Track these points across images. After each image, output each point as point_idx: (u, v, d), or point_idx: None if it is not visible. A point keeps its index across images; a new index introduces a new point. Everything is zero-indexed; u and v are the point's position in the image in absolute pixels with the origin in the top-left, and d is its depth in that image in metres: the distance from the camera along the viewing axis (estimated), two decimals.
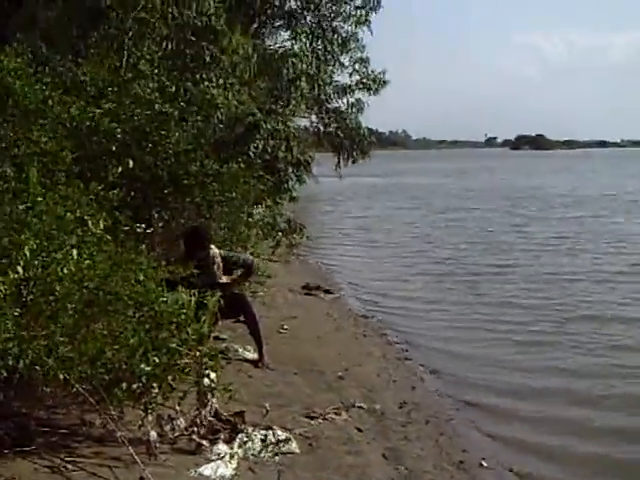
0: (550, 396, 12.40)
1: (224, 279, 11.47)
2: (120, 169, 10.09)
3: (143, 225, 9.97)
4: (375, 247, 31.63)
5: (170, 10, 14.57)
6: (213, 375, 8.04)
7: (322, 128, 27.93)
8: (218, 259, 11.41)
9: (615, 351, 14.61)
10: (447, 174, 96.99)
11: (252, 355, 11.99)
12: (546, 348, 15.17)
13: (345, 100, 27.62)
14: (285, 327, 14.63)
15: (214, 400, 8.17)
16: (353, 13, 26.22)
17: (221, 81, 16.26)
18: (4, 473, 6.72)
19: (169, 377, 7.55)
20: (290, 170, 20.05)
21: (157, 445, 7.47)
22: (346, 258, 28.40)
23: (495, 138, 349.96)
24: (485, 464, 9.39)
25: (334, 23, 25.86)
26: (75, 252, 7.45)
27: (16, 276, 6.86)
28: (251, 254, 13.82)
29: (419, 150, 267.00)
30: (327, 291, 20.07)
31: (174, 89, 12.71)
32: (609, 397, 12.34)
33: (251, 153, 15.36)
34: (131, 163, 10.51)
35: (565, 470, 9.75)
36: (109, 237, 8.38)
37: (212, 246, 11.42)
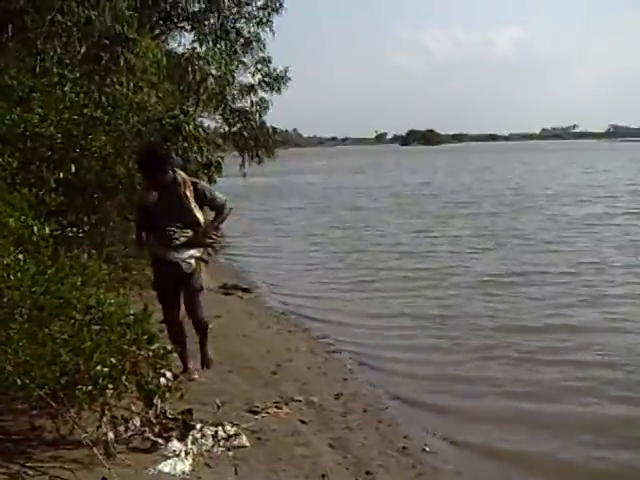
0: (480, 382, 12.76)
1: (199, 216, 10.08)
2: (61, 175, 10.17)
3: (74, 229, 10.02)
4: (279, 245, 31.75)
5: (85, 14, 14.53)
6: (169, 374, 8.16)
7: (227, 128, 27.99)
8: (189, 186, 9.89)
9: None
10: (335, 172, 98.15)
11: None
12: (471, 334, 15.61)
13: (249, 100, 27.73)
14: (211, 326, 14.64)
15: (166, 399, 8.28)
16: (255, 14, 26.39)
17: (131, 84, 16.24)
18: None
19: (123, 378, 7.62)
20: (202, 171, 20.03)
21: (114, 445, 7.54)
22: (254, 257, 28.44)
23: (385, 134, 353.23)
24: (427, 449, 9.64)
25: (237, 24, 26.00)
26: (21, 257, 7.48)
27: None
28: None
29: (310, 148, 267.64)
30: (245, 290, 20.20)
31: (98, 93, 12.71)
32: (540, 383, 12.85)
33: (174, 155, 15.37)
34: (73, 168, 10.54)
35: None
36: (50, 242, 8.42)
37: (179, 172, 9.94)
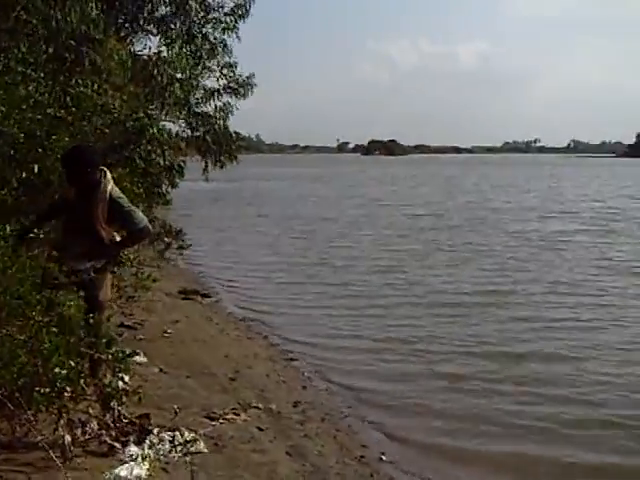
0: (436, 385, 12.99)
1: (103, 233, 8.86)
2: (24, 174, 10.09)
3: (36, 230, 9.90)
4: (240, 251, 31.77)
5: (52, 13, 14.40)
6: (127, 378, 8.13)
7: (190, 132, 27.87)
8: (104, 200, 8.77)
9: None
10: (286, 179, 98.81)
11: (141, 358, 11.99)
12: (432, 334, 15.89)
13: (213, 104, 27.64)
14: (169, 331, 14.65)
15: (123, 403, 8.25)
16: (222, 20, 26.30)
17: (96, 86, 16.12)
18: None
19: (81, 381, 7.57)
20: (164, 174, 19.95)
21: (71, 449, 7.48)
22: (214, 262, 28.42)
23: (347, 143, 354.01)
24: (385, 458, 9.72)
25: (204, 29, 25.89)
26: None
27: None
28: (135, 259, 13.87)
29: (271, 154, 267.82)
30: (204, 295, 20.17)
31: (62, 93, 12.62)
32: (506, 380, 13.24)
33: (136, 157, 15.30)
34: (36, 168, 10.44)
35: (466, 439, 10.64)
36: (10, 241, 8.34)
37: (108, 179, 8.88)
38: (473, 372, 13.61)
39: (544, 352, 15.04)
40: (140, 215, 9.13)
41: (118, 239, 9.05)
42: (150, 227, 9.48)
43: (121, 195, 9.06)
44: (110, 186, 8.83)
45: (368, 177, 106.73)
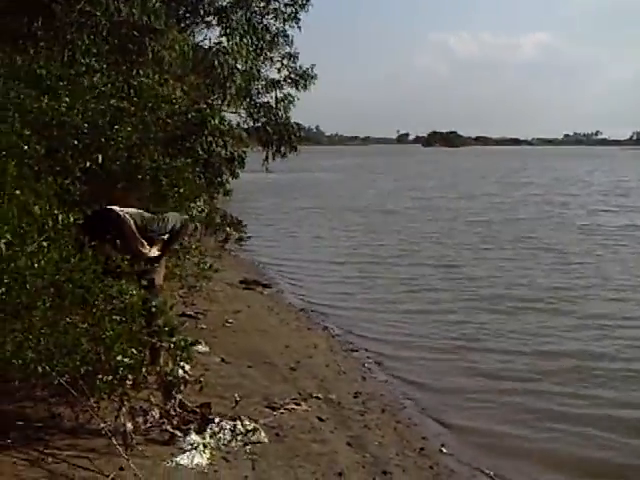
0: (498, 380, 12.83)
1: (147, 250, 9.50)
2: (87, 163, 10.19)
3: None
4: (302, 242, 31.80)
5: (115, 5, 14.52)
6: (187, 367, 8.16)
7: (251, 123, 27.92)
8: (134, 231, 9.35)
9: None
10: (345, 171, 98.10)
11: (203, 348, 12.06)
12: (491, 331, 15.71)
13: (274, 95, 27.66)
14: (230, 321, 14.74)
15: (182, 392, 8.30)
16: (282, 10, 26.30)
17: (157, 77, 16.20)
18: None
19: (143, 369, 7.62)
20: (225, 165, 20.03)
21: (132, 436, 7.53)
22: (275, 252, 28.45)
23: (407, 134, 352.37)
24: (445, 450, 9.65)
25: (264, 20, 25.91)
26: (45, 245, 7.47)
27: None
28: (197, 248, 13.94)
29: (331, 146, 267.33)
30: (265, 285, 20.21)
31: (125, 84, 12.72)
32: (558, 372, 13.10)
33: (198, 148, 15.36)
34: (100, 158, 10.54)
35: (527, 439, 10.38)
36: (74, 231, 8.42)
37: (126, 218, 9.33)
38: (537, 369, 13.37)
39: (616, 353, 14.48)
40: (170, 219, 9.89)
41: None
42: (182, 222, 10.24)
43: (143, 215, 9.61)
44: (131, 221, 9.34)
45: (428, 168, 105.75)
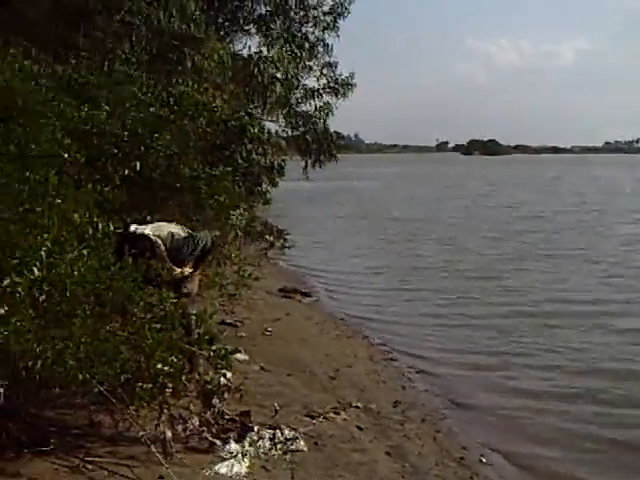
0: (535, 397, 12.64)
1: (178, 271, 9.65)
2: (126, 171, 10.23)
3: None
4: (341, 251, 31.77)
5: (154, 14, 14.62)
6: (229, 375, 8.15)
7: (290, 132, 27.93)
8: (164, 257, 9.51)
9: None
10: (386, 178, 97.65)
11: (242, 356, 12.05)
12: (529, 344, 15.48)
13: (313, 103, 27.65)
14: (269, 329, 14.74)
15: (224, 400, 8.28)
16: (321, 18, 26.32)
17: (196, 85, 16.27)
18: (26, 473, 6.79)
19: (182, 377, 7.62)
20: (264, 174, 20.07)
21: (172, 444, 7.53)
22: (313, 260, 28.41)
23: (446, 143, 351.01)
24: (484, 460, 9.58)
25: (303, 28, 25.96)
26: (86, 252, 7.49)
27: (32, 277, 6.87)
28: (237, 257, 13.96)
29: (370, 154, 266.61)
30: (304, 294, 20.18)
31: (165, 92, 12.78)
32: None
33: (238, 157, 15.39)
34: (138, 165, 10.58)
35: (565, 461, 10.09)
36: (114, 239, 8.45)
37: (158, 243, 9.53)
38: (575, 387, 13.03)
39: None
40: (200, 238, 10.00)
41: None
42: (213, 240, 10.50)
43: (175, 236, 9.69)
44: (162, 247, 9.50)
45: (466, 177, 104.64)
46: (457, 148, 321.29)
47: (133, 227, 9.37)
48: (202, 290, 12.79)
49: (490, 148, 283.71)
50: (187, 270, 9.74)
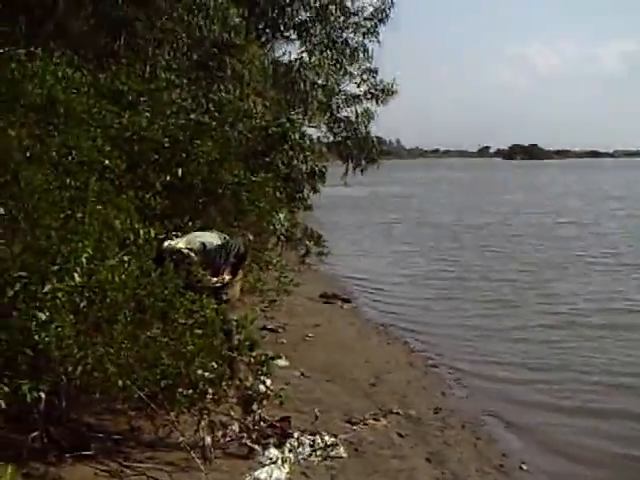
0: (581, 394, 12.68)
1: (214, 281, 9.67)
2: (167, 177, 10.29)
3: (179, 233, 10.09)
4: (380, 254, 31.73)
5: (195, 21, 14.69)
6: (268, 381, 8.16)
7: (331, 137, 27.92)
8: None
9: None
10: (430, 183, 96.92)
11: (283, 362, 12.06)
12: (573, 356, 15.21)
13: (354, 109, 27.61)
14: (310, 335, 14.75)
15: (264, 406, 8.30)
16: (362, 24, 26.29)
17: (237, 92, 16.34)
18: (66, 477, 6.86)
19: (223, 383, 7.64)
20: (305, 179, 20.06)
21: (211, 450, 7.55)
22: (353, 266, 28.32)
23: (488, 148, 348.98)
24: (525, 467, 9.47)
25: (344, 34, 25.94)
26: (126, 259, 7.54)
27: (72, 283, 6.92)
28: (277, 263, 13.99)
29: (411, 159, 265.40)
30: (345, 299, 20.13)
31: (205, 99, 12.85)
32: None
33: (279, 163, 15.42)
34: (180, 172, 10.64)
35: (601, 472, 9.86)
36: (155, 245, 8.51)
37: (191, 255, 9.49)
38: (614, 404, 12.46)
39: None
40: (233, 245, 10.02)
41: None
42: (246, 246, 10.56)
43: (207, 247, 9.66)
44: (195, 259, 9.47)
45: (508, 182, 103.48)
46: (499, 153, 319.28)
47: (166, 243, 9.38)
48: (244, 296, 12.87)
49: (532, 153, 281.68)
50: (225, 278, 9.77)
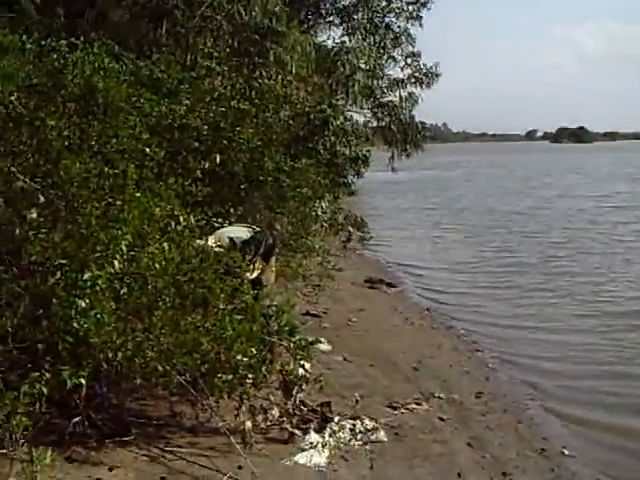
0: (630, 380, 12.52)
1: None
2: (207, 165, 10.34)
3: (220, 220, 10.14)
4: (425, 239, 31.57)
5: (236, 9, 14.73)
6: (308, 365, 8.19)
7: (375, 122, 27.95)
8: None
9: None
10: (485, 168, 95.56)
11: (325, 347, 12.10)
12: (620, 335, 15.15)
13: (398, 94, 27.62)
14: (353, 319, 14.78)
15: (303, 390, 8.34)
16: (405, 9, 26.26)
17: (279, 78, 16.36)
18: (107, 462, 6.93)
19: (263, 368, 7.68)
20: (349, 165, 20.05)
21: (252, 435, 7.60)
22: (398, 252, 28.22)
23: (535, 131, 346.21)
24: (567, 452, 9.41)
25: (386, 19, 25.94)
26: (167, 246, 7.59)
27: (112, 270, 6.99)
28: (319, 248, 14.01)
29: (458, 143, 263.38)
30: (390, 284, 20.10)
31: (246, 86, 12.88)
32: None
33: (320, 149, 15.43)
34: (218, 159, 10.68)
35: None
36: (197, 232, 8.56)
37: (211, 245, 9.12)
38: None
39: None
40: (261, 237, 10.03)
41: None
42: (274, 237, 10.76)
43: (236, 240, 9.58)
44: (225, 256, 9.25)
45: (555, 166, 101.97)
46: (546, 136, 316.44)
47: (197, 242, 9.41)
48: (286, 281, 12.92)
49: (579, 136, 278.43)
50: (256, 268, 9.73)
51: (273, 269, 10.29)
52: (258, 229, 10.20)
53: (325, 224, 15.96)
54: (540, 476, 8.56)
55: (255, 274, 9.59)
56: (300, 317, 12.48)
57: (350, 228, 19.99)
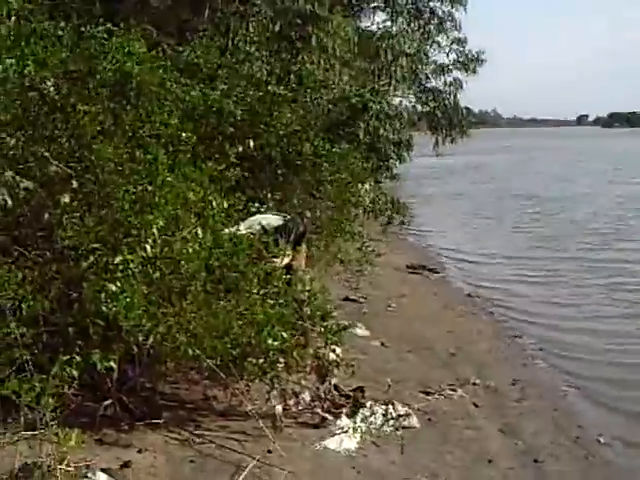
0: None
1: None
2: (240, 149, 10.35)
3: (257, 205, 10.15)
4: (468, 225, 31.30)
5: None
6: (339, 350, 8.20)
7: (420, 107, 27.87)
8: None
9: None
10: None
11: (363, 332, 12.12)
12: None
13: (442, 79, 27.50)
14: (393, 305, 14.76)
15: (334, 375, 8.35)
16: None
17: (322, 62, 16.34)
18: (137, 444, 6.99)
19: (294, 352, 7.70)
20: (391, 149, 20.00)
21: (282, 419, 7.63)
22: (442, 237, 28.03)
23: (587, 116, 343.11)
24: (602, 440, 9.30)
25: (431, 3, 25.80)
26: (200, 231, 7.62)
27: (144, 254, 7.04)
28: (358, 233, 13.96)
29: (509, 128, 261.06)
30: (432, 270, 20.03)
31: (284, 70, 12.88)
32: None
33: (360, 133, 15.41)
34: (252, 143, 10.69)
35: None
36: (235, 216, 8.60)
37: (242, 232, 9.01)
38: None
39: None
40: (291, 224, 9.96)
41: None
42: (305, 223, 10.66)
43: (267, 225, 9.54)
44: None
45: (604, 152, 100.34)
46: (597, 121, 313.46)
47: (226, 230, 9.41)
48: (326, 265, 12.92)
49: (632, 120, 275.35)
50: (287, 254, 9.59)
51: (304, 255, 10.29)
52: (289, 216, 10.19)
53: (367, 209, 15.94)
54: (573, 464, 8.48)
55: (286, 260, 9.58)
56: (338, 302, 12.49)
57: (391, 213, 19.89)
